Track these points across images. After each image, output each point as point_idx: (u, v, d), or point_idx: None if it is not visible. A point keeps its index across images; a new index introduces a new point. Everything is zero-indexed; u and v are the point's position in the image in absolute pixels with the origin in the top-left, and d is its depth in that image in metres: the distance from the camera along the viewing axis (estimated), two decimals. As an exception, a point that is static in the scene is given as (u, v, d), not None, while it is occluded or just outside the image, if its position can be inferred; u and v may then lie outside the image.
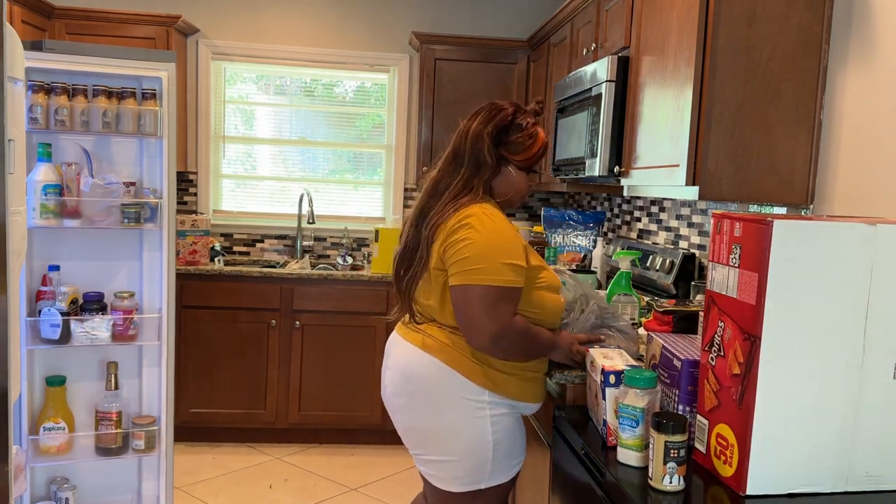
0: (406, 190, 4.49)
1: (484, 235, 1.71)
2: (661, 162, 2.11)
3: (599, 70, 2.53)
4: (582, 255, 3.45)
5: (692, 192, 1.95)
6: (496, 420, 1.79)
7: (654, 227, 3.17)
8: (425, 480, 1.94)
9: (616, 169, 2.45)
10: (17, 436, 2.50)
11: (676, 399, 1.46)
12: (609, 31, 2.71)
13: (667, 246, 2.96)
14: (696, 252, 2.70)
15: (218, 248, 4.20)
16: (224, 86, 4.40)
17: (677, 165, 1.98)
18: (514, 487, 2.04)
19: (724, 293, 1.33)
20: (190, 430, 3.82)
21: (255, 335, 3.81)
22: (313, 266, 4.27)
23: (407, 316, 1.92)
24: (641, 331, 2.13)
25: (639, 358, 1.83)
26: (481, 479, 1.81)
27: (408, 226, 1.89)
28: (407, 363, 1.83)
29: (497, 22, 4.42)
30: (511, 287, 1.71)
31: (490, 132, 1.81)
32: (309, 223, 4.22)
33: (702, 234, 2.71)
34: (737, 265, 1.29)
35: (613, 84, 2.46)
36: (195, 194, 4.37)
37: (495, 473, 1.82)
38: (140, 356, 2.73)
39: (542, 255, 3.07)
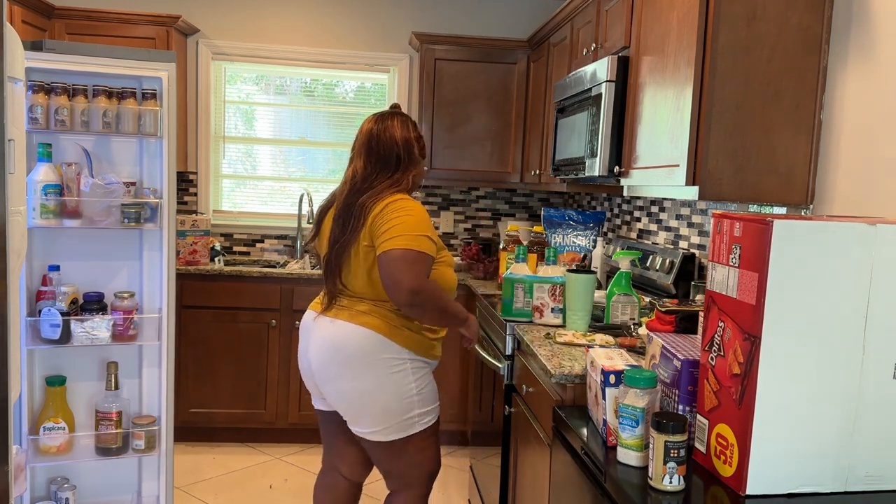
0: (406, 190, 4.49)
1: (407, 214, 2.09)
2: (660, 162, 2.11)
3: (599, 70, 2.53)
4: (582, 255, 3.45)
5: (692, 192, 1.95)
6: (415, 371, 2.18)
7: (653, 227, 3.17)
8: (363, 443, 2.22)
9: (616, 169, 2.45)
10: (18, 436, 2.50)
11: (676, 399, 1.46)
12: (609, 31, 2.71)
13: (667, 246, 2.96)
14: (696, 252, 2.70)
15: (218, 248, 4.19)
16: (224, 86, 4.40)
17: (677, 165, 1.98)
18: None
19: (724, 293, 1.33)
20: (190, 430, 3.82)
21: (255, 335, 3.81)
22: (313, 266, 4.27)
23: (324, 301, 2.23)
24: (642, 330, 2.13)
25: None
26: (412, 425, 2.18)
27: (332, 226, 2.19)
28: (335, 337, 2.14)
29: (497, 22, 4.42)
30: (425, 253, 2.07)
31: (416, 137, 2.24)
32: (309, 223, 4.22)
33: (702, 234, 2.71)
34: (737, 265, 1.29)
35: (613, 84, 2.46)
36: (195, 194, 4.37)
37: (422, 416, 2.20)
38: (140, 356, 2.73)
39: (542, 256, 3.07)
